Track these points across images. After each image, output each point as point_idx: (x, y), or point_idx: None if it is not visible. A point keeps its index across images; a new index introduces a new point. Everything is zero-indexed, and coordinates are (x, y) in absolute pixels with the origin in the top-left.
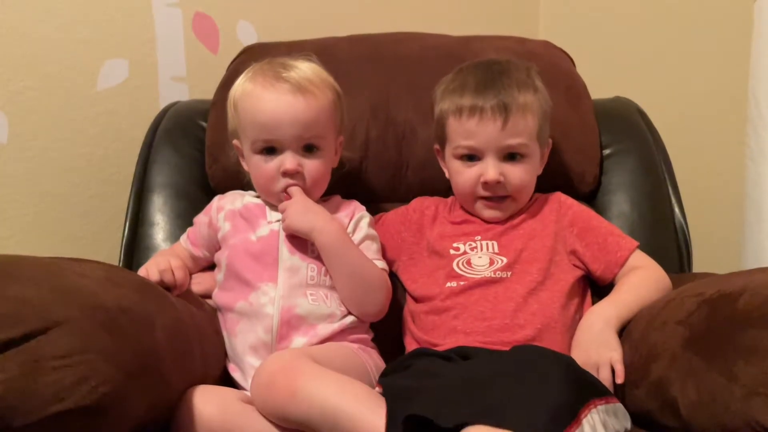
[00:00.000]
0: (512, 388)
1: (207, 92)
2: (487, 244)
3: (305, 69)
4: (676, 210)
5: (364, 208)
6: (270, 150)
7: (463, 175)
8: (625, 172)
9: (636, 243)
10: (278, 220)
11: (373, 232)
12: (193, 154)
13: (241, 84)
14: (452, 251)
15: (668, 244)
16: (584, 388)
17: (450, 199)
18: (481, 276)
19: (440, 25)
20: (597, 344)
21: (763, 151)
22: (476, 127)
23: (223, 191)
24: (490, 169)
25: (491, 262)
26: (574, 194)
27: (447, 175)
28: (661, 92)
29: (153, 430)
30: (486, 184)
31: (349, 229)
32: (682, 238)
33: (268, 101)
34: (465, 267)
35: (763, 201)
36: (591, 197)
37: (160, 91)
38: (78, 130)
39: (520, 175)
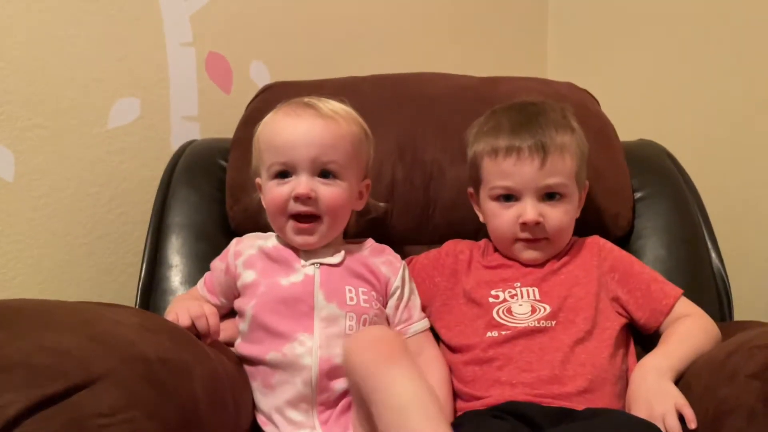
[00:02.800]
0: None
1: (219, 132)
2: (527, 291)
3: (334, 103)
4: (713, 255)
5: (399, 256)
6: (284, 174)
7: (500, 217)
8: (658, 215)
9: (680, 290)
10: (313, 264)
11: (414, 286)
12: (212, 193)
13: (266, 118)
14: (491, 299)
15: (707, 290)
16: None
17: (482, 243)
18: (524, 325)
19: (450, 64)
20: (656, 395)
21: None
22: (513, 167)
23: (244, 232)
24: (528, 209)
25: (533, 310)
26: (608, 238)
27: (482, 219)
28: (678, 136)
29: None
30: (525, 225)
31: (397, 284)
32: (722, 284)
33: (286, 125)
34: (506, 315)
35: None
36: (625, 241)
37: (171, 131)
38: (87, 169)
39: (559, 216)
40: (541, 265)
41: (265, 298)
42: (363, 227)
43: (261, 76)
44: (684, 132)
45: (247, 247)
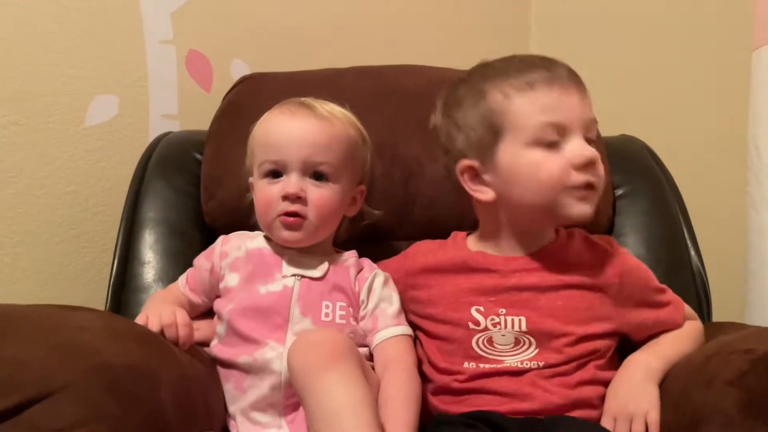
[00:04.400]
0: None
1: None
2: (512, 321)
3: (332, 105)
4: (693, 253)
5: (375, 266)
6: (276, 174)
7: (549, 162)
8: (638, 213)
9: (683, 314)
10: (294, 275)
11: (388, 292)
12: (187, 188)
13: (262, 116)
14: (471, 324)
15: (687, 289)
16: None
17: (450, 240)
18: (506, 364)
19: (429, 54)
20: (635, 395)
21: (765, 200)
22: (559, 97)
23: (219, 228)
24: (584, 145)
25: (516, 343)
26: None
27: (482, 196)
28: (660, 133)
29: None
30: (584, 166)
31: (363, 297)
32: (701, 284)
33: (280, 122)
34: (485, 347)
35: (767, 249)
36: None
37: (150, 129)
38: (63, 167)
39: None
40: (528, 270)
41: (243, 305)
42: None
43: (242, 75)
44: (666, 129)
45: (233, 248)
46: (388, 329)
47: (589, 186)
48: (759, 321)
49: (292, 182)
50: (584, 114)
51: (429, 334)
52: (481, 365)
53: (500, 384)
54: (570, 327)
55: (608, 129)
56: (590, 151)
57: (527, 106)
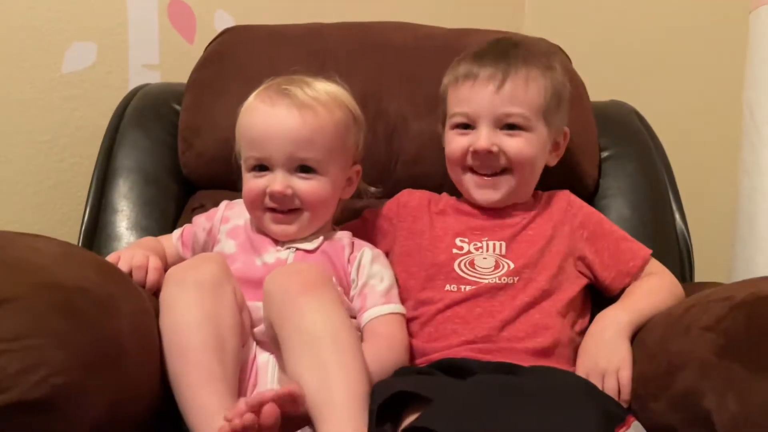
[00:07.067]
0: (537, 419)
1: (181, 81)
2: (494, 245)
3: (318, 87)
4: (677, 216)
5: (365, 244)
6: (261, 167)
7: (453, 142)
8: (624, 175)
9: (649, 251)
10: (288, 248)
11: (378, 269)
12: (164, 138)
13: (247, 100)
14: (455, 250)
15: (670, 251)
16: (607, 416)
17: (444, 195)
18: (485, 282)
19: (422, 17)
20: (606, 352)
21: (758, 165)
22: (470, 91)
23: (196, 179)
24: (482, 136)
25: (497, 266)
26: None
27: (445, 146)
28: (652, 99)
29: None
30: (476, 153)
31: (353, 275)
32: (684, 246)
33: (260, 115)
34: (467, 269)
35: (757, 215)
36: (590, 200)
37: (129, 78)
38: (39, 115)
39: (518, 145)
40: (509, 216)
41: (238, 274)
42: None
43: (225, 26)
44: (659, 93)
45: (236, 215)
46: (377, 307)
47: (483, 173)
48: None
49: (277, 180)
50: (494, 107)
51: (413, 256)
52: (462, 287)
53: (473, 311)
54: (543, 247)
55: (599, 94)
56: (484, 142)
57: (451, 99)
